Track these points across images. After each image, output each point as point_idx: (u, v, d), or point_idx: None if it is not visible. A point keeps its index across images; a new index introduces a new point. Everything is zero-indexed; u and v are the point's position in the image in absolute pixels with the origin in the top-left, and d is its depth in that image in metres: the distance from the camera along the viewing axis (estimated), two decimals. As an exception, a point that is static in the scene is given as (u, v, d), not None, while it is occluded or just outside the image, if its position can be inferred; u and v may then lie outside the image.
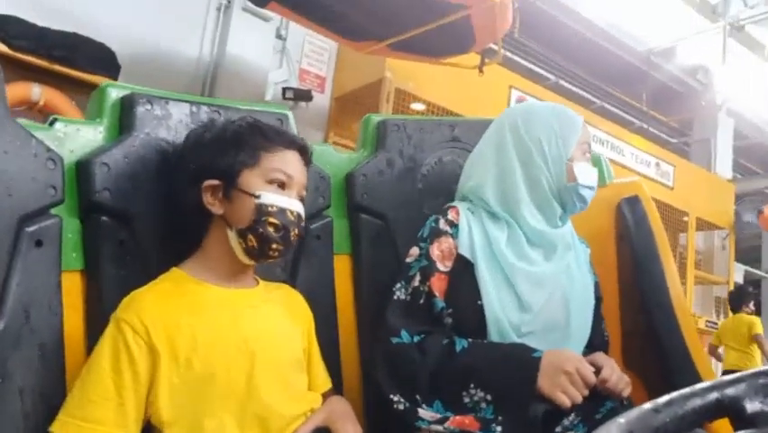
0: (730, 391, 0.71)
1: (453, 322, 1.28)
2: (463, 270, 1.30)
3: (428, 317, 1.28)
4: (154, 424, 1.02)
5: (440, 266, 1.30)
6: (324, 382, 1.25)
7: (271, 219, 1.09)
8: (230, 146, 1.12)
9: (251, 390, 1.06)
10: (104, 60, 3.52)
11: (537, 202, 1.33)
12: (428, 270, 1.29)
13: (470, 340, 1.24)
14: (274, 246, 1.10)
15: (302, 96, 4.42)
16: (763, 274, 8.19)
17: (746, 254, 7.70)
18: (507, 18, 3.35)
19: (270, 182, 1.12)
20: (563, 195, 1.33)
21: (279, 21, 4.46)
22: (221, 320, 1.08)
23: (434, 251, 1.31)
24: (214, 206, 1.11)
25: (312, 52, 4.74)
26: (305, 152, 1.19)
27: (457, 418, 1.17)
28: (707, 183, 6.27)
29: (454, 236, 1.32)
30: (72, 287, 1.10)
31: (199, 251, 1.15)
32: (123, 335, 1.00)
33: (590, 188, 1.34)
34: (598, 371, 1.18)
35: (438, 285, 1.29)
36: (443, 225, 1.34)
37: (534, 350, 1.20)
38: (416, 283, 1.29)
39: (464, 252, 1.31)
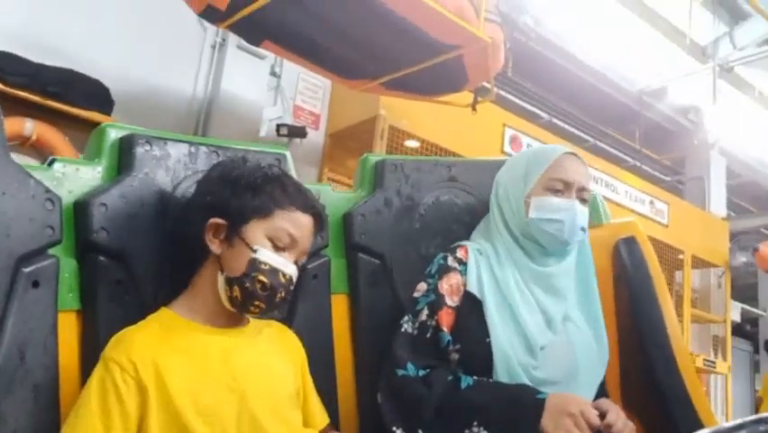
0: (730, 440, 0.71)
1: (461, 358, 1.29)
2: (471, 307, 1.31)
3: (435, 351, 1.29)
4: None
5: (448, 300, 1.32)
6: (322, 418, 1.24)
7: (261, 277, 1.07)
8: (248, 191, 1.11)
9: (243, 425, 1.05)
10: (98, 96, 3.53)
11: (512, 243, 1.37)
12: (436, 304, 1.31)
13: (475, 378, 1.24)
14: (257, 303, 1.09)
15: (296, 132, 4.44)
16: (760, 312, 8.18)
17: (743, 292, 7.70)
18: (498, 58, 3.39)
19: (272, 239, 1.10)
20: (529, 231, 1.35)
21: (274, 59, 4.50)
22: (209, 360, 1.07)
23: (443, 285, 1.33)
24: (214, 244, 1.11)
25: (306, 89, 4.78)
26: (321, 219, 1.18)
27: None
28: (701, 221, 6.30)
29: (462, 273, 1.35)
30: (68, 327, 1.09)
31: (189, 289, 1.14)
32: (111, 374, 0.99)
33: (550, 220, 1.33)
34: (603, 415, 1.18)
35: (446, 319, 1.30)
36: (451, 261, 1.36)
37: (539, 392, 1.20)
38: (424, 317, 1.30)
39: (472, 289, 1.33)
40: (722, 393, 6.26)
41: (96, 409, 0.97)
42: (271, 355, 1.17)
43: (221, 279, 1.10)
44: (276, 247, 1.10)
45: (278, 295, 1.09)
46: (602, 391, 1.35)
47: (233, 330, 1.14)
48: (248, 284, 1.07)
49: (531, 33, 5.51)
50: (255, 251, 1.08)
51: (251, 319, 1.20)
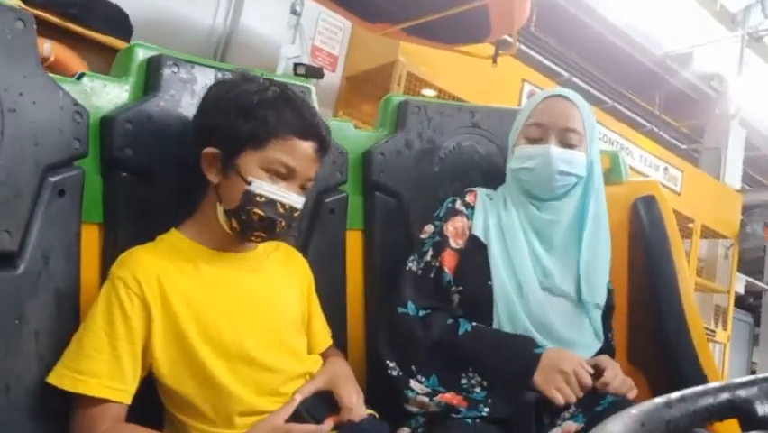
0: (742, 393, 0.72)
1: (461, 300, 1.30)
2: (475, 250, 1.33)
3: (437, 291, 1.31)
4: (156, 376, 1.03)
5: (452, 243, 1.34)
6: (325, 339, 1.25)
7: (257, 210, 1.05)
8: (242, 116, 1.06)
9: (245, 349, 1.06)
10: (117, 22, 3.49)
11: (515, 189, 1.38)
12: (440, 245, 1.33)
13: (474, 324, 1.26)
14: (256, 234, 1.08)
15: (313, 73, 4.38)
16: (764, 286, 8.19)
17: (749, 265, 7.70)
18: (524, 11, 3.32)
19: (267, 170, 1.06)
20: (516, 177, 1.37)
21: (295, -5, 4.44)
22: (215, 282, 1.08)
23: (448, 228, 1.35)
24: (211, 174, 1.08)
25: (325, 30, 4.72)
26: (324, 144, 1.12)
27: (447, 394, 1.21)
28: (714, 191, 6.25)
29: (469, 217, 1.36)
30: (90, 239, 1.11)
31: (197, 213, 1.13)
32: (116, 290, 1.01)
33: (525, 169, 1.33)
34: (601, 373, 1.20)
35: (448, 261, 1.32)
36: (459, 205, 1.38)
37: (537, 346, 1.22)
38: (428, 258, 1.33)
39: (478, 233, 1.34)
40: (720, 362, 6.34)
41: (101, 322, 0.99)
42: (278, 279, 1.18)
43: (220, 209, 1.09)
44: (273, 178, 1.07)
45: (279, 225, 1.07)
46: (608, 346, 1.36)
47: (240, 254, 1.14)
48: (244, 217, 1.06)
49: (558, -13, 5.39)
50: (249, 183, 1.05)
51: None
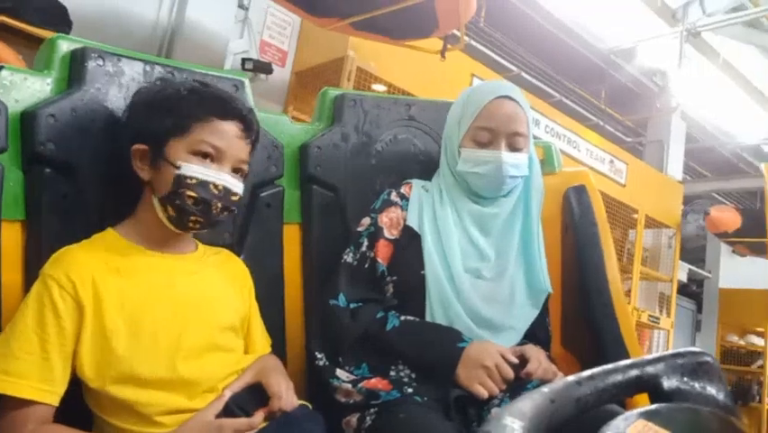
0: (650, 369, 0.75)
1: (396, 289, 1.32)
2: (409, 240, 1.35)
3: (371, 281, 1.32)
4: (80, 378, 1.01)
5: (386, 233, 1.35)
6: (263, 347, 1.25)
7: (189, 192, 1.06)
8: (162, 111, 1.08)
9: (178, 353, 1.05)
10: (54, 15, 3.38)
11: (452, 182, 1.39)
12: (375, 236, 1.35)
13: (402, 319, 1.27)
14: (192, 219, 1.08)
15: (262, 68, 4.35)
16: (705, 274, 8.50)
17: (691, 254, 7.97)
18: (471, 6, 3.35)
19: (195, 153, 1.07)
20: (462, 177, 1.38)
21: (243, -10, 4.39)
22: (151, 284, 1.07)
23: (383, 218, 1.36)
24: (143, 171, 1.10)
25: (274, 25, 4.68)
26: (247, 123, 1.13)
27: (372, 380, 1.22)
28: (657, 183, 6.44)
29: (404, 208, 1.38)
30: (11, 237, 1.08)
31: (134, 213, 1.13)
32: (49, 291, 0.99)
33: (475, 174, 1.35)
34: (525, 362, 1.22)
35: (383, 251, 1.33)
36: (394, 196, 1.40)
37: (462, 340, 1.23)
38: (364, 249, 1.34)
39: (412, 223, 1.36)
40: (663, 347, 6.54)
41: (31, 323, 0.97)
42: (217, 282, 1.17)
43: (155, 201, 1.09)
44: (201, 161, 1.08)
45: (215, 207, 1.08)
46: (543, 330, 1.40)
47: (179, 256, 1.14)
48: (178, 201, 1.06)
49: (505, -17, 5.46)
50: (179, 167, 1.06)
51: (198, 246, 1.20)
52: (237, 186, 1.11)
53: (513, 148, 1.35)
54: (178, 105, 1.09)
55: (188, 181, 1.06)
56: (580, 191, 1.54)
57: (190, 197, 1.06)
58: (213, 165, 1.08)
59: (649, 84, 7.16)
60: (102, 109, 1.17)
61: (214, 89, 1.15)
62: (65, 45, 1.19)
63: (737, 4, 6.22)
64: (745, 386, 7.73)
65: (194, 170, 1.06)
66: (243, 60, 4.33)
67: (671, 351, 0.79)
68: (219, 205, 1.08)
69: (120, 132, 1.15)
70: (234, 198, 1.11)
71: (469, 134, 1.37)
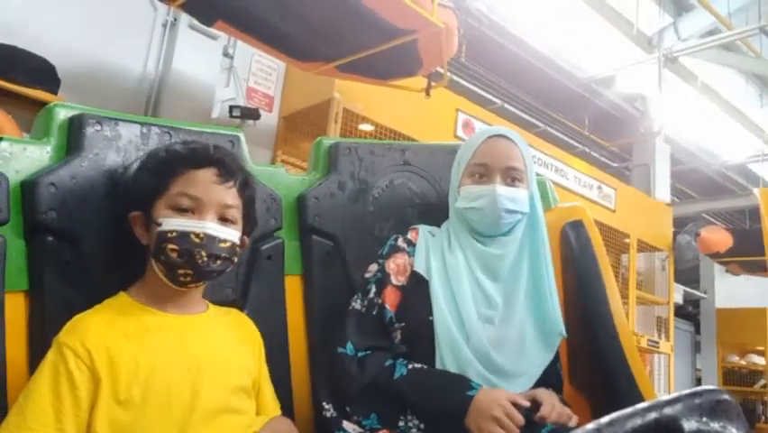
0: (668, 411, 0.75)
1: (404, 336, 1.31)
2: (417, 286, 1.34)
3: (379, 328, 1.31)
4: None
5: (394, 280, 1.35)
6: (274, 409, 1.24)
7: (171, 245, 1.06)
8: (147, 175, 1.12)
9: (193, 416, 1.04)
10: (43, 74, 3.41)
11: (458, 226, 1.40)
12: (382, 282, 1.34)
13: (410, 367, 1.26)
14: (181, 272, 1.08)
15: (249, 114, 4.39)
16: (701, 294, 8.52)
17: (685, 276, 8.00)
18: (453, 43, 3.41)
19: (174, 208, 1.08)
20: (463, 217, 1.39)
21: (227, 39, 4.43)
22: (165, 346, 1.07)
23: (390, 265, 1.36)
24: (141, 236, 1.12)
25: (260, 71, 4.73)
26: (223, 167, 1.12)
27: (379, 432, 1.21)
28: (646, 206, 6.48)
29: (410, 254, 1.38)
30: (15, 308, 1.07)
31: (144, 276, 1.14)
32: (64, 359, 0.98)
33: (472, 209, 1.36)
34: (538, 407, 1.21)
35: (390, 297, 1.33)
36: (401, 242, 1.40)
37: (471, 387, 1.21)
38: (371, 295, 1.34)
39: (419, 269, 1.36)
40: (665, 372, 6.51)
41: (47, 392, 0.96)
42: (229, 343, 1.17)
43: (153, 263, 1.10)
44: (181, 213, 1.08)
45: (199, 257, 1.07)
46: (555, 375, 1.38)
47: (189, 316, 1.14)
48: (163, 257, 1.07)
49: (483, 19, 5.56)
50: (160, 224, 1.07)
51: (209, 306, 1.20)
52: (224, 232, 1.10)
53: (509, 182, 1.37)
54: (159, 166, 1.12)
55: (169, 235, 1.06)
56: (578, 226, 1.55)
57: (173, 250, 1.06)
58: (194, 216, 1.09)
59: (630, 109, 7.27)
60: (101, 174, 1.18)
61: (192, 143, 1.16)
62: (62, 112, 1.20)
63: (712, 28, 6.37)
64: (749, 407, 7.69)
65: (172, 223, 1.07)
66: (231, 108, 4.36)
67: (687, 391, 0.78)
68: (203, 253, 1.07)
69: (120, 201, 1.17)
70: (223, 245, 1.10)
71: (467, 172, 1.41)
